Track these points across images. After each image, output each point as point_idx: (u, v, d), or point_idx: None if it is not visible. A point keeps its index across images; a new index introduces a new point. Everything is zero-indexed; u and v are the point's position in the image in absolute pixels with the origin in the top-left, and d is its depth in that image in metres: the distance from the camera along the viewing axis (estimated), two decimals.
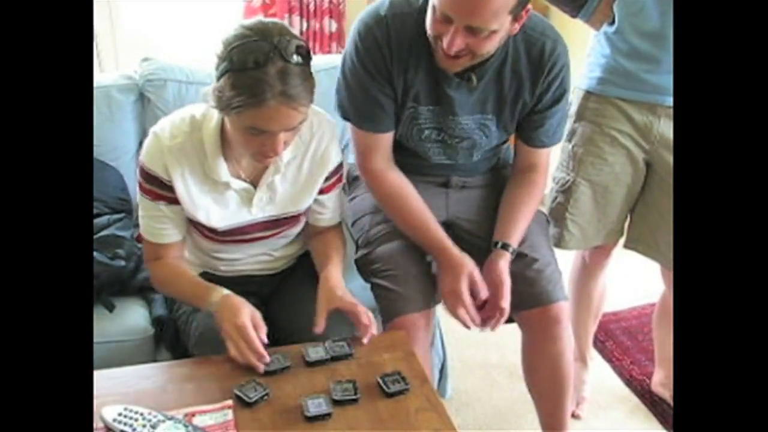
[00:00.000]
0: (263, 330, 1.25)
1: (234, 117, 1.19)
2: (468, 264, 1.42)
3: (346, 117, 1.48)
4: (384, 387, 1.19)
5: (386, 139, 1.48)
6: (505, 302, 1.41)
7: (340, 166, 1.45)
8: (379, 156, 1.48)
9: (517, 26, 1.29)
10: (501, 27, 1.24)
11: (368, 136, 1.46)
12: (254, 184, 1.36)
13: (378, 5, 1.39)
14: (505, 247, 1.48)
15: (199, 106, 1.34)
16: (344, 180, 1.53)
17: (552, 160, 1.64)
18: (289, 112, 1.16)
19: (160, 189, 1.32)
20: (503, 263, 1.46)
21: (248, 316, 1.24)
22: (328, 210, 1.49)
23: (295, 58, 1.15)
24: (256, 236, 1.44)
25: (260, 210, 1.39)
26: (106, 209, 1.80)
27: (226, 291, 1.30)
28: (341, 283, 1.37)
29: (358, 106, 1.43)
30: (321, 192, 1.45)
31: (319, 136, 1.39)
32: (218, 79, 1.17)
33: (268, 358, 1.22)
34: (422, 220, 1.47)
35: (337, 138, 1.43)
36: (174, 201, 1.34)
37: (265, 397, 1.16)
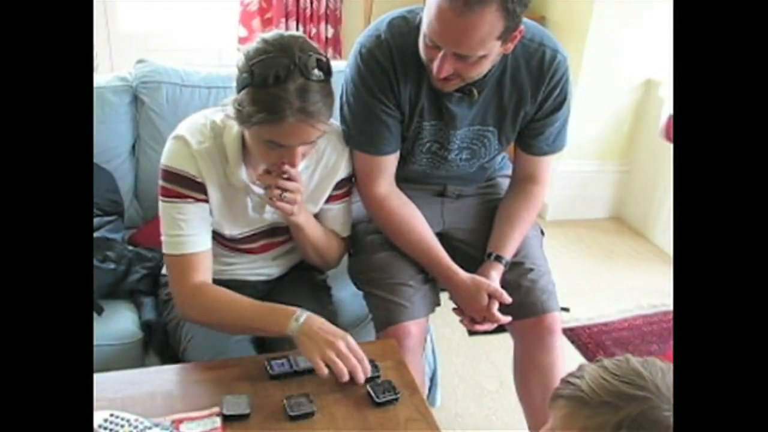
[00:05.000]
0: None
1: (253, 130, 1.20)
2: (482, 282, 1.43)
3: (351, 143, 1.45)
4: (373, 396, 1.18)
5: (390, 161, 1.46)
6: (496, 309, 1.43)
7: (350, 178, 1.45)
8: (383, 180, 1.46)
9: (510, 46, 1.28)
10: (490, 52, 1.24)
11: (373, 160, 1.44)
12: None
13: (376, 28, 1.38)
14: (498, 259, 1.48)
15: (215, 110, 1.34)
16: (352, 194, 1.51)
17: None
18: (308, 129, 1.17)
19: (187, 189, 1.29)
20: (495, 274, 1.46)
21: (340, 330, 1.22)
22: (335, 222, 1.47)
23: (316, 73, 1.16)
24: (265, 243, 1.45)
25: (271, 215, 1.40)
26: (97, 211, 1.78)
27: (306, 311, 1.24)
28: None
29: (364, 129, 1.41)
30: (328, 200, 1.44)
31: (332, 147, 1.39)
32: (238, 91, 1.18)
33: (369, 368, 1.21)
34: (428, 246, 1.48)
35: (347, 149, 1.43)
36: (201, 200, 1.31)
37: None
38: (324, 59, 1.18)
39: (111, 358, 1.51)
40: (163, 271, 1.49)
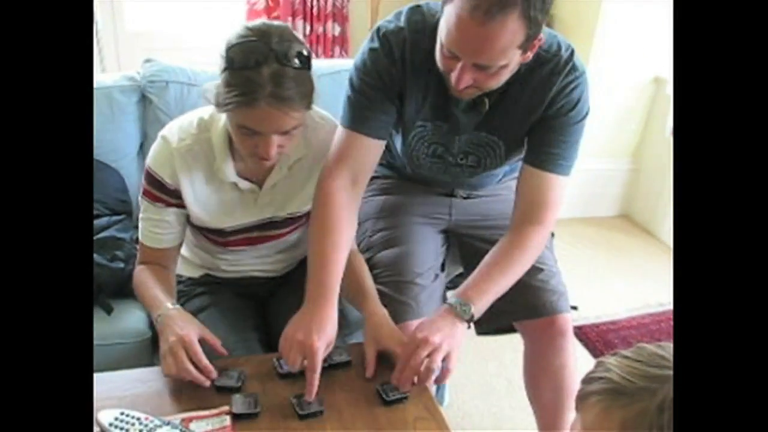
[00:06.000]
0: (218, 343, 1.22)
1: (229, 115, 1.20)
2: (334, 330, 1.23)
3: (342, 121, 1.39)
4: (383, 395, 1.18)
5: (367, 148, 1.36)
6: (414, 359, 1.19)
7: None
8: (349, 169, 1.34)
9: (529, 55, 1.23)
10: (510, 61, 1.19)
11: (350, 138, 1.35)
12: (260, 184, 1.37)
13: (397, 16, 1.35)
14: (450, 303, 1.29)
15: (206, 108, 1.34)
16: None
17: None
18: (279, 115, 1.16)
19: (160, 192, 1.33)
20: (430, 321, 1.27)
21: (196, 330, 1.20)
22: None
23: (293, 61, 1.15)
24: (260, 237, 1.44)
25: (264, 211, 1.40)
26: (105, 210, 1.79)
27: (176, 305, 1.27)
28: (386, 319, 1.30)
29: (356, 104, 1.36)
30: None
31: (326, 140, 1.38)
32: (220, 76, 1.19)
33: (215, 374, 1.17)
34: (334, 257, 1.29)
35: None
36: (173, 204, 1.34)
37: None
38: (304, 50, 1.18)
39: (120, 356, 1.52)
40: None
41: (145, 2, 3.31)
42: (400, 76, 1.34)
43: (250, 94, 1.13)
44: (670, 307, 2.61)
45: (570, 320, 1.49)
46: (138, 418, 1.07)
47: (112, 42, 3.29)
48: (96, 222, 1.75)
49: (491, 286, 1.32)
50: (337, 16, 3.39)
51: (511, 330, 1.55)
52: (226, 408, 1.14)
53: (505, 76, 1.24)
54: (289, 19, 3.30)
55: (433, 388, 1.72)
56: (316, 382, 1.16)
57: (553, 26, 3.19)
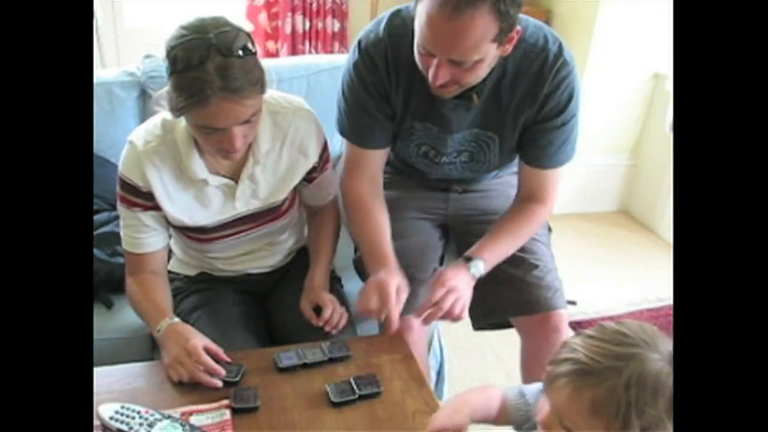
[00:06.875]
0: (220, 351, 1.23)
1: (186, 117, 1.19)
2: (400, 280, 1.37)
3: (342, 131, 1.46)
4: (356, 388, 1.19)
5: (374, 157, 1.46)
6: (444, 302, 1.32)
7: (323, 153, 1.43)
8: (365, 175, 1.46)
9: (508, 47, 1.24)
10: (485, 55, 1.20)
11: (357, 151, 1.44)
12: (235, 178, 1.35)
13: (377, 24, 1.37)
14: (467, 259, 1.40)
15: None
16: (331, 162, 1.49)
17: None
18: (234, 107, 1.15)
19: (135, 197, 1.31)
20: (455, 272, 1.37)
21: (200, 340, 1.22)
22: (323, 190, 1.49)
23: (236, 51, 1.14)
24: (242, 230, 1.43)
25: (244, 204, 1.38)
26: (105, 206, 1.79)
27: (176, 319, 1.29)
28: (320, 282, 1.44)
29: (354, 119, 1.41)
30: (310, 181, 1.45)
31: (296, 125, 1.37)
32: (167, 81, 1.17)
33: (223, 372, 1.19)
34: (380, 238, 1.44)
35: (316, 125, 1.40)
36: (150, 208, 1.33)
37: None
38: (245, 36, 1.17)
39: (120, 351, 1.52)
40: (169, 266, 1.49)
41: None
42: (386, 84, 1.36)
43: (200, 93, 1.11)
44: (669, 302, 2.62)
45: (565, 316, 1.49)
46: (138, 412, 1.07)
47: (111, 38, 3.29)
48: (96, 217, 1.75)
49: (500, 249, 1.43)
50: (337, 11, 3.38)
51: (507, 325, 1.56)
52: (225, 402, 1.14)
53: (482, 70, 1.25)
54: (289, 14, 3.30)
55: (432, 383, 1.74)
56: (395, 316, 1.32)
57: (551, 22, 3.19)
